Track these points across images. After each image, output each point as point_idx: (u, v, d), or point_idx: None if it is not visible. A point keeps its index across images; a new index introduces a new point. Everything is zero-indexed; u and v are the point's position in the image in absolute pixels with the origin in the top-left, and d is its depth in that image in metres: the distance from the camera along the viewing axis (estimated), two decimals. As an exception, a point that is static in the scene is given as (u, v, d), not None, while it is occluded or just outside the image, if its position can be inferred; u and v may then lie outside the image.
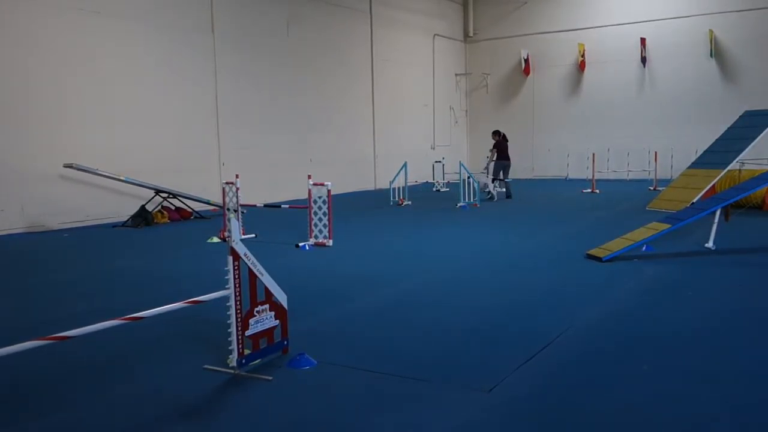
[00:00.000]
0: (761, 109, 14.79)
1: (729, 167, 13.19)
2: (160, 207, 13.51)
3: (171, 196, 13.70)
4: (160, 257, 9.46)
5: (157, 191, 13.50)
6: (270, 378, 4.31)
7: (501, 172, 17.09)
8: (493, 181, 16.79)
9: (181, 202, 13.98)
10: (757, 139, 13.23)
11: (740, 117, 14.81)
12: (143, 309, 4.12)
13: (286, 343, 4.80)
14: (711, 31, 21.99)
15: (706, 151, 14.73)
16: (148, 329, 5.35)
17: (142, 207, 13.05)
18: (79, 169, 12.61)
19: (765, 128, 13.34)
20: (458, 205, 15.18)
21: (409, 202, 16.23)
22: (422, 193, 19.26)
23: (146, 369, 4.63)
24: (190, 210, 14.05)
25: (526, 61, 25.49)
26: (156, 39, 14.59)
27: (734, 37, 21.98)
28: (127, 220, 13.03)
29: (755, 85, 21.58)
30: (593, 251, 8.55)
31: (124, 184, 13.37)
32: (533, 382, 4.22)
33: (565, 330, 5.29)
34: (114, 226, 12.99)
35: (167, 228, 12.70)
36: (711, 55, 22.19)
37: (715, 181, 13.10)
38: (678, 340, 5.02)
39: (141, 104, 14.27)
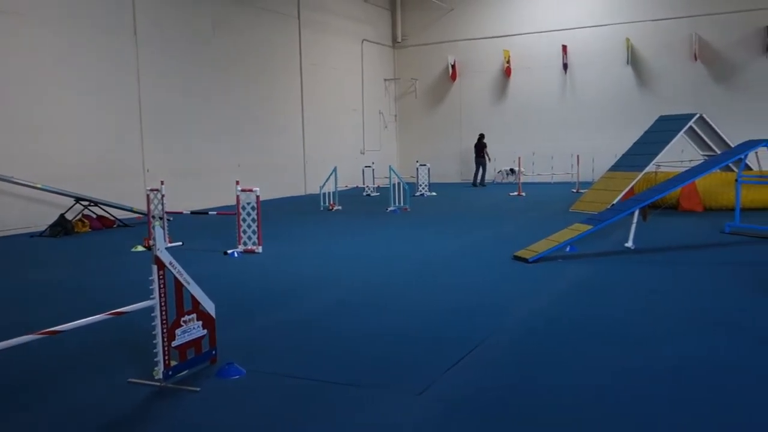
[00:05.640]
0: (674, 114, 15.51)
1: (646, 170, 13.79)
2: (80, 215, 13.02)
3: (92, 204, 13.23)
4: (82, 268, 9.11)
5: (78, 199, 13.01)
6: (197, 389, 4.22)
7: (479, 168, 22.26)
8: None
9: (104, 210, 13.51)
10: (671, 143, 13.89)
11: (655, 121, 15.50)
12: (63, 322, 3.96)
13: (214, 352, 4.71)
14: (628, 39, 22.93)
15: (624, 155, 15.34)
16: (69, 344, 5.15)
17: (62, 216, 12.54)
18: (-8, 177, 12.03)
19: (678, 132, 14.02)
20: (388, 209, 15.27)
21: (340, 207, 16.21)
22: (352, 197, 19.27)
23: (68, 385, 4.45)
24: (113, 218, 13.59)
25: (453, 66, 25.92)
26: (75, 42, 14.04)
27: (649, 44, 23.00)
28: (45, 229, 12.50)
29: (669, 91, 22.64)
30: (520, 253, 8.76)
31: (42, 192, 12.82)
32: (462, 383, 4.29)
33: (494, 331, 5.39)
34: (31, 236, 12.44)
35: (89, 237, 12.26)
36: (628, 62, 23.13)
37: (634, 183, 13.66)
38: (601, 336, 5.20)
39: (61, 109, 13.71)
